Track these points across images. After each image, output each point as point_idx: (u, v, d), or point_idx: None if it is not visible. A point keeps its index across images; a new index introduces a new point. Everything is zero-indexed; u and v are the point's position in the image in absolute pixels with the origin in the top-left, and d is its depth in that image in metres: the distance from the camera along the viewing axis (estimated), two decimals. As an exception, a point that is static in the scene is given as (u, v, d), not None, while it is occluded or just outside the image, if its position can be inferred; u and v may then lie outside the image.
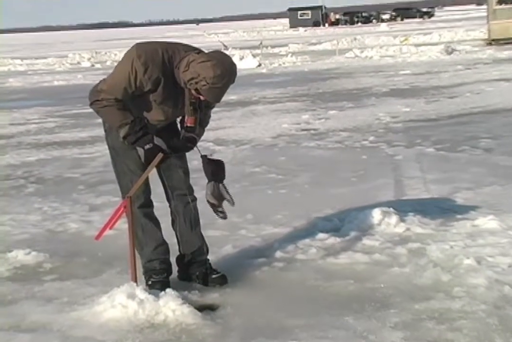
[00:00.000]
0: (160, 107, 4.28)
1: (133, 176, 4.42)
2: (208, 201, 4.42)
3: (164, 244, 4.61)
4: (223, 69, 4.04)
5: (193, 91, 4.15)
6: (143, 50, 4.15)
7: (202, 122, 4.43)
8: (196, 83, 4.08)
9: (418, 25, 64.86)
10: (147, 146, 4.23)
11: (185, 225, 4.61)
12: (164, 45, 4.23)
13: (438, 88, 15.82)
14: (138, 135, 4.20)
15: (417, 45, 30.97)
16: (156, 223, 4.60)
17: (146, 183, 4.47)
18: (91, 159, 9.65)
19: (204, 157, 4.40)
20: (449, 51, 26.04)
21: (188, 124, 4.32)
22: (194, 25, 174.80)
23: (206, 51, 4.23)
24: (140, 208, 4.48)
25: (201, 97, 4.17)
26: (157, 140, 4.26)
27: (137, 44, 4.25)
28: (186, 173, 4.57)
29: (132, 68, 4.10)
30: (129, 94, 4.17)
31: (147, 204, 4.54)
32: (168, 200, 4.63)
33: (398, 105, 13.43)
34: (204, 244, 4.72)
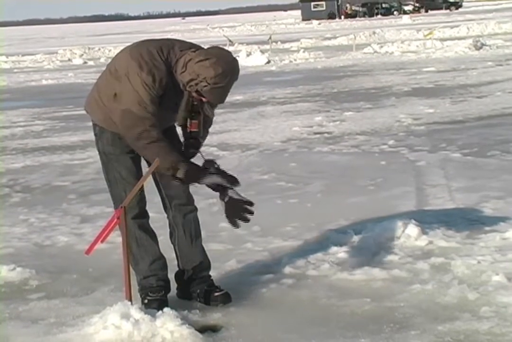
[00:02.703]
0: (161, 113, 4.29)
1: (126, 184, 4.44)
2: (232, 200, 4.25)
3: (161, 258, 4.63)
4: (224, 67, 4.07)
5: (194, 94, 4.18)
6: (139, 57, 4.19)
7: (205, 123, 4.45)
8: (196, 84, 4.11)
9: (444, 17, 64.95)
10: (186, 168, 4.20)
11: (185, 237, 4.63)
12: (157, 44, 4.28)
13: (466, 87, 15.83)
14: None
15: (442, 40, 31.01)
16: (153, 236, 4.62)
17: (141, 192, 4.49)
18: (82, 166, 9.69)
19: (210, 162, 4.36)
20: (478, 46, 26.03)
21: (192, 129, 4.34)
22: (180, 19, 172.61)
23: (204, 48, 4.26)
24: (134, 219, 4.50)
25: (203, 99, 4.20)
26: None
27: (130, 49, 4.29)
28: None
29: (142, 80, 4.15)
30: (157, 104, 4.20)
31: (142, 215, 4.56)
32: (166, 210, 4.65)
33: (420, 106, 13.44)
34: (206, 259, 4.74)
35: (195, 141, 4.38)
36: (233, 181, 4.24)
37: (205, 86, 4.08)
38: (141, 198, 4.50)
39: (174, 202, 4.58)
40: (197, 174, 4.20)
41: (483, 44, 26.45)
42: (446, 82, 17.11)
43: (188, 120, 4.34)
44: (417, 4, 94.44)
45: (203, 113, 4.31)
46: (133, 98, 4.19)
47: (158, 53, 4.21)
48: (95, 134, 4.53)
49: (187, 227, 4.62)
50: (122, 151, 4.39)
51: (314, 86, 18.00)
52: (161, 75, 4.18)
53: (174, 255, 4.72)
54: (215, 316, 4.44)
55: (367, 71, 21.21)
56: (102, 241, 4.24)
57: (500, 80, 16.69)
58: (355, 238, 5.68)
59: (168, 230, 4.69)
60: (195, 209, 4.64)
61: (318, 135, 11.01)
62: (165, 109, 4.30)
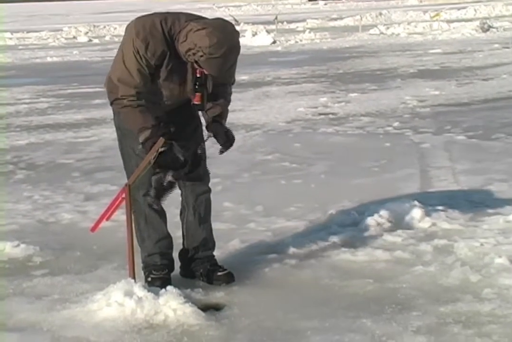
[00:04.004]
0: (165, 85, 4.29)
1: (139, 159, 4.40)
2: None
3: (167, 237, 4.63)
4: (220, 37, 4.02)
5: (195, 65, 4.16)
6: (141, 26, 4.19)
7: (221, 97, 4.41)
8: (194, 54, 4.08)
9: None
10: (162, 149, 4.22)
11: (193, 218, 4.62)
12: (164, 16, 4.26)
13: (472, 69, 15.79)
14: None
15: (449, 22, 30.92)
16: (162, 214, 4.60)
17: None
18: (87, 143, 9.69)
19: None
20: (485, 28, 25.97)
21: (195, 102, 4.32)
22: None
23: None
24: (145, 196, 4.49)
25: (205, 71, 4.18)
26: (177, 149, 4.26)
27: (136, 19, 4.30)
28: (203, 159, 4.53)
29: (134, 48, 4.15)
30: (146, 76, 4.20)
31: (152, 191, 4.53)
32: (179, 187, 4.60)
33: (426, 87, 13.42)
34: (211, 240, 4.73)
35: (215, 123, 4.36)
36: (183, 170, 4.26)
37: (201, 56, 4.05)
38: (154, 174, 4.46)
39: (188, 181, 4.55)
40: (154, 146, 4.19)
41: (490, 26, 26.38)
42: (452, 64, 17.07)
43: (192, 92, 4.32)
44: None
45: (208, 86, 4.28)
46: (118, 66, 4.23)
47: (161, 23, 4.19)
48: (113, 110, 4.53)
49: (197, 209, 4.60)
50: None
51: (320, 67, 17.96)
52: (157, 44, 4.15)
53: (179, 234, 4.72)
54: (217, 295, 4.46)
55: (373, 52, 21.15)
56: (107, 219, 4.25)
57: (507, 62, 16.65)
58: (359, 219, 5.69)
59: (179, 208, 4.66)
60: (209, 190, 4.61)
61: (322, 116, 11.00)
62: (173, 83, 4.29)
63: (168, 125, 4.34)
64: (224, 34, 4.05)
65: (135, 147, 4.42)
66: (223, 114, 4.49)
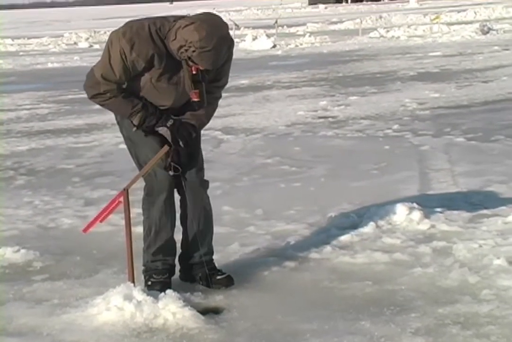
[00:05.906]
0: (158, 86, 4.29)
1: (154, 165, 4.40)
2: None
3: (173, 247, 4.62)
4: (208, 29, 4.05)
5: (189, 63, 4.17)
6: (128, 27, 4.25)
7: (208, 104, 4.41)
8: (186, 51, 4.10)
9: (451, 1, 64.61)
10: (170, 122, 4.30)
11: (194, 223, 4.57)
12: (152, 19, 4.31)
13: (471, 72, 15.81)
14: (158, 116, 4.30)
15: (449, 24, 30.98)
16: (172, 222, 4.57)
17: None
18: (87, 149, 9.71)
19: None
20: (485, 30, 26.00)
21: (194, 99, 4.32)
22: (168, 3, 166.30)
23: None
24: (163, 203, 4.45)
25: (200, 67, 4.18)
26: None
27: (127, 22, 4.34)
28: (200, 168, 4.53)
29: (120, 47, 4.20)
30: (129, 75, 4.24)
31: (170, 197, 4.49)
32: (179, 193, 4.57)
33: (426, 90, 13.43)
34: (211, 246, 4.70)
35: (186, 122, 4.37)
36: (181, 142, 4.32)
37: (194, 51, 4.07)
38: (172, 180, 4.43)
39: (188, 184, 4.49)
40: (152, 124, 4.30)
41: (490, 29, 26.42)
42: (452, 66, 17.09)
43: (190, 90, 4.32)
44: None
45: (203, 83, 4.28)
46: (102, 63, 4.28)
47: (149, 25, 4.22)
48: (118, 122, 4.53)
49: (197, 214, 4.56)
50: (145, 134, 4.39)
51: (320, 71, 17.99)
52: (142, 45, 4.17)
53: (178, 238, 4.68)
54: (217, 298, 4.46)
55: (373, 55, 21.18)
56: (101, 221, 4.25)
57: (506, 65, 16.67)
58: (358, 222, 5.70)
59: (179, 211, 4.63)
60: (207, 196, 4.58)
61: (322, 120, 11.02)
62: (162, 82, 4.29)
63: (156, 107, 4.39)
64: (212, 26, 4.08)
65: (148, 153, 4.40)
66: (205, 117, 4.48)
